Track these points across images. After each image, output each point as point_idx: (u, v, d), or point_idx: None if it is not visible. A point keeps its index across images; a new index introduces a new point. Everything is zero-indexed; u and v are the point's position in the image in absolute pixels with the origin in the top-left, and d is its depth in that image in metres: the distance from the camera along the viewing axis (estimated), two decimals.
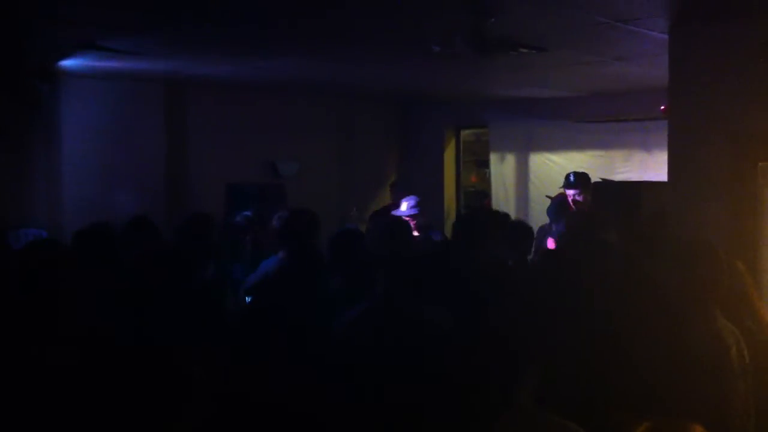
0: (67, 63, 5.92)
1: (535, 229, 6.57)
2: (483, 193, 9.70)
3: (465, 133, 9.85)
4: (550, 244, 5.74)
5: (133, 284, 3.25)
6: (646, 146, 7.70)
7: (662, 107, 5.63)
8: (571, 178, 6.59)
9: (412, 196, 6.73)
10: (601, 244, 3.61)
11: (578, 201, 6.41)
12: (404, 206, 6.69)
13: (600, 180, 6.58)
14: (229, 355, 2.63)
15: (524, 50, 5.16)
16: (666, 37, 4.68)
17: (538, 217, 7.19)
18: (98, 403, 2.33)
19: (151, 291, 3.16)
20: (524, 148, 8.84)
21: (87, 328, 2.68)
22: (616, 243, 4.24)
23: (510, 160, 8.99)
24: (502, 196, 8.98)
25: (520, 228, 5.13)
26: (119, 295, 3.12)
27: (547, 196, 7.07)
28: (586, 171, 7.76)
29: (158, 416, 2.34)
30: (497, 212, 5.24)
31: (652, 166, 7.28)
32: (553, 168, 8.51)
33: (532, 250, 5.47)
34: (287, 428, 2.44)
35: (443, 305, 3.15)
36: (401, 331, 2.91)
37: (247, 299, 4.39)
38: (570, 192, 6.49)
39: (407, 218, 6.58)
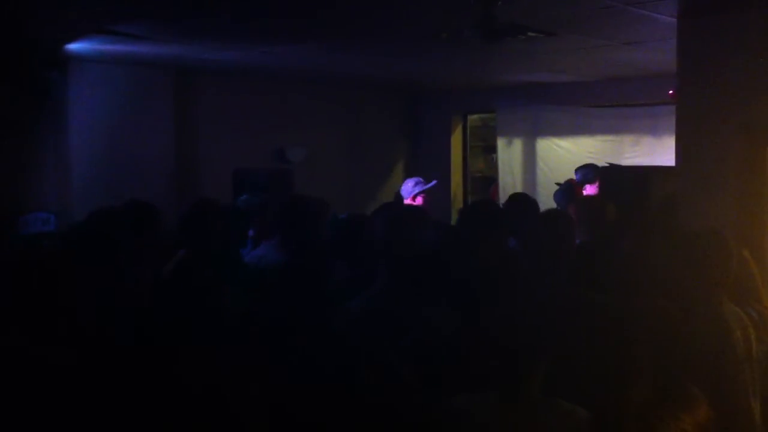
0: (75, 47, 5.92)
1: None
2: (490, 178, 9.69)
3: (472, 119, 9.81)
4: None
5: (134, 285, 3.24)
6: (655, 131, 7.67)
7: (671, 92, 5.61)
8: (578, 176, 6.69)
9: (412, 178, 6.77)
10: (604, 230, 3.61)
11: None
12: (411, 184, 6.62)
13: (608, 164, 6.58)
14: (229, 356, 2.63)
15: (533, 34, 5.13)
16: (675, 21, 4.65)
17: (546, 202, 7.18)
18: (98, 403, 2.34)
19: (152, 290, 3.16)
20: (532, 133, 8.81)
21: (87, 328, 2.69)
22: (620, 227, 4.24)
23: (517, 145, 8.96)
24: (510, 182, 8.96)
25: (522, 204, 4.64)
26: (119, 295, 3.11)
27: (557, 184, 7.08)
28: (594, 156, 7.80)
29: (158, 416, 2.36)
30: (496, 205, 5.12)
31: (660, 151, 7.26)
32: (560, 153, 8.49)
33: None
34: (286, 428, 2.45)
35: (446, 302, 3.11)
36: (400, 330, 2.88)
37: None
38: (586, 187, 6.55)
39: (421, 196, 6.55)
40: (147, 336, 2.65)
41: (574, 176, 6.99)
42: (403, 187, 6.82)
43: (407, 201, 6.60)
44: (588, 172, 6.66)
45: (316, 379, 2.53)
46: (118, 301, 3.05)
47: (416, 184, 6.66)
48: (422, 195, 6.62)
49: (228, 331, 2.85)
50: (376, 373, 2.48)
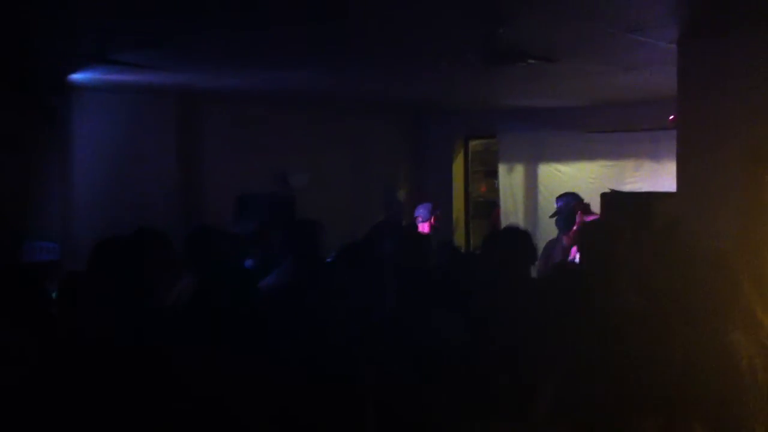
0: (78, 76, 5.96)
1: (543, 239, 6.61)
2: (492, 203, 9.70)
3: (474, 144, 9.85)
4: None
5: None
6: (656, 156, 7.68)
7: (671, 117, 5.62)
8: (558, 204, 6.71)
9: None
10: (614, 255, 3.60)
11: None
12: (429, 207, 7.24)
13: (609, 191, 6.58)
14: (229, 356, 2.63)
15: (533, 61, 5.16)
16: (674, 47, 4.68)
17: (547, 227, 7.18)
18: (97, 403, 2.34)
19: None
20: (533, 158, 8.84)
21: (87, 328, 2.69)
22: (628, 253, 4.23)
23: (519, 170, 8.99)
24: (511, 207, 8.97)
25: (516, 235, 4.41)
26: (120, 296, 3.12)
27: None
28: (595, 181, 7.87)
29: (158, 416, 2.35)
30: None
31: (662, 176, 7.26)
32: (562, 178, 8.51)
33: (540, 262, 5.40)
34: (287, 428, 2.44)
35: (453, 309, 3.14)
36: (411, 343, 2.90)
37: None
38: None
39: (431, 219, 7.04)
40: (147, 336, 2.66)
41: None
42: (420, 210, 7.36)
43: (427, 223, 7.28)
44: (570, 200, 6.66)
45: (316, 379, 2.53)
46: (118, 302, 3.06)
47: (432, 206, 7.37)
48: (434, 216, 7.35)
49: (228, 331, 2.85)
50: (376, 373, 2.48)
